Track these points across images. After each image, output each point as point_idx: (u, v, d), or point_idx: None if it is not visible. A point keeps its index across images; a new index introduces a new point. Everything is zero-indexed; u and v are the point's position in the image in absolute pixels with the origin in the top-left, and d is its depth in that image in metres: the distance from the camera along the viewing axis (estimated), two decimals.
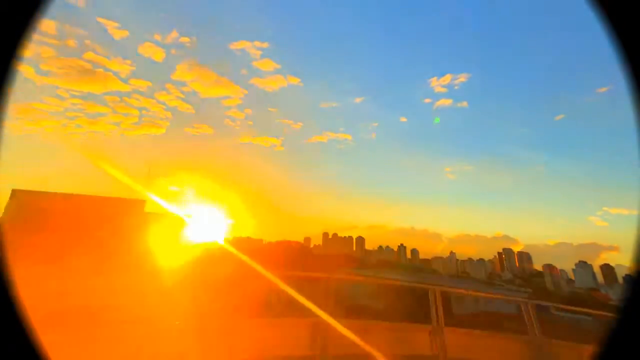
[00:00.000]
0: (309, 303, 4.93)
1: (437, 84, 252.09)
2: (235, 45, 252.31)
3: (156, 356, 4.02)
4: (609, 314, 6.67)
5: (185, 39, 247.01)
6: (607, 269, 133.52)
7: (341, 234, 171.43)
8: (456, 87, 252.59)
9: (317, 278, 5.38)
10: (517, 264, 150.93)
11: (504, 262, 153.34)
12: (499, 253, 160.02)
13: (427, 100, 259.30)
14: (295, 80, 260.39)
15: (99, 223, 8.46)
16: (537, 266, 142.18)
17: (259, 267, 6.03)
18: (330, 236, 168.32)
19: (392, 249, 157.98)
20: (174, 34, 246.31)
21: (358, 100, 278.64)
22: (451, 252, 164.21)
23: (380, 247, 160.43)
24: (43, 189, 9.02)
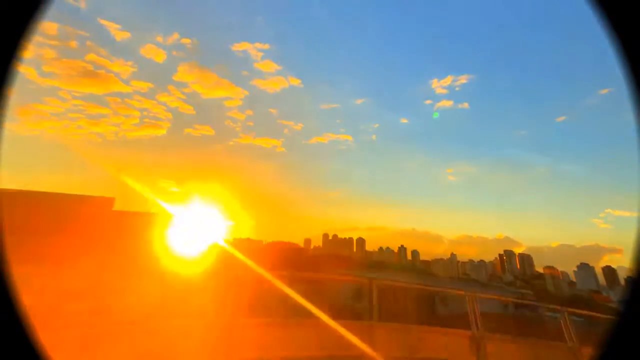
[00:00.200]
0: (304, 301, 4.93)
1: (438, 85, 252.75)
2: (237, 47, 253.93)
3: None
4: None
5: (186, 41, 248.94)
6: (609, 271, 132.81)
7: (341, 235, 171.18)
8: (457, 89, 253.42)
9: (309, 278, 5.33)
10: (519, 266, 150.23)
11: (505, 264, 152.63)
12: (500, 255, 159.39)
13: (428, 102, 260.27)
14: (296, 82, 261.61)
15: (59, 222, 8.07)
16: (539, 268, 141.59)
17: (254, 265, 5.99)
18: (330, 237, 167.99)
19: (393, 251, 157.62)
20: (176, 36, 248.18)
21: (359, 101, 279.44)
22: (452, 254, 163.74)
23: (381, 248, 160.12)
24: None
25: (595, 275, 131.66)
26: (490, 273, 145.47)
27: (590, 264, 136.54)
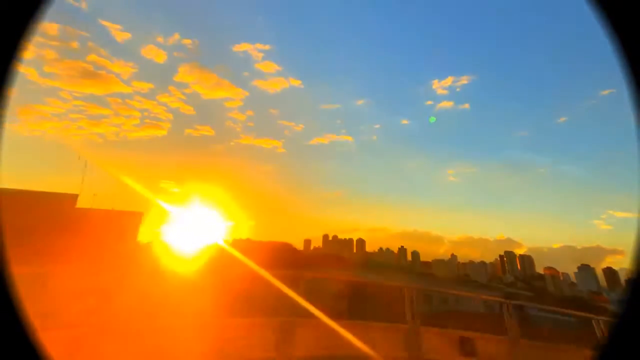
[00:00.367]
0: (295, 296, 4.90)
1: (439, 86, 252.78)
2: (237, 48, 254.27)
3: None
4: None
5: (187, 41, 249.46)
6: (610, 272, 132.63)
7: (341, 236, 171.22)
8: (458, 90, 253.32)
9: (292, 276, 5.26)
10: (519, 267, 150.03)
11: (506, 265, 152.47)
12: (500, 256, 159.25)
13: (429, 103, 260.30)
14: (296, 82, 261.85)
15: (19, 218, 7.83)
16: (540, 269, 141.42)
17: (247, 264, 5.96)
18: (330, 238, 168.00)
19: (393, 252, 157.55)
20: (176, 36, 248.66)
21: (359, 102, 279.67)
22: (452, 255, 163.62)
23: (381, 249, 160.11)
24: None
25: (595, 277, 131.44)
26: (491, 274, 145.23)
27: (592, 266, 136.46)
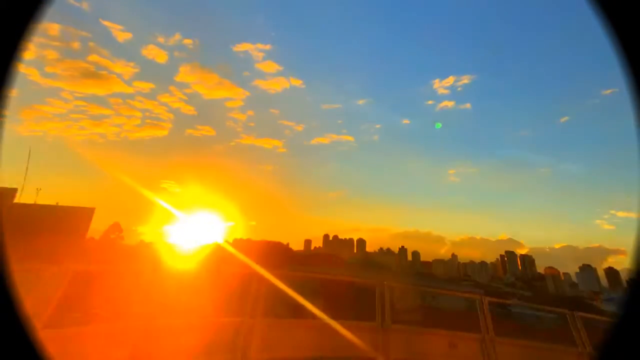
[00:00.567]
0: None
1: (440, 85, 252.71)
2: (238, 48, 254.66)
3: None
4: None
5: (188, 41, 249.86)
6: (611, 272, 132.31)
7: (342, 236, 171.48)
8: (459, 89, 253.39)
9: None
10: (520, 267, 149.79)
11: (507, 265, 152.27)
12: (501, 256, 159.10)
13: (430, 102, 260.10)
14: (297, 82, 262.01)
15: None
16: (541, 269, 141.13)
17: (241, 264, 5.87)
18: (330, 238, 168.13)
19: (393, 251, 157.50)
20: (177, 37, 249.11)
21: (360, 102, 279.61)
22: (453, 255, 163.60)
23: (381, 249, 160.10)
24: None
25: (597, 277, 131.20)
26: (492, 274, 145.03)
27: (594, 266, 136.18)
